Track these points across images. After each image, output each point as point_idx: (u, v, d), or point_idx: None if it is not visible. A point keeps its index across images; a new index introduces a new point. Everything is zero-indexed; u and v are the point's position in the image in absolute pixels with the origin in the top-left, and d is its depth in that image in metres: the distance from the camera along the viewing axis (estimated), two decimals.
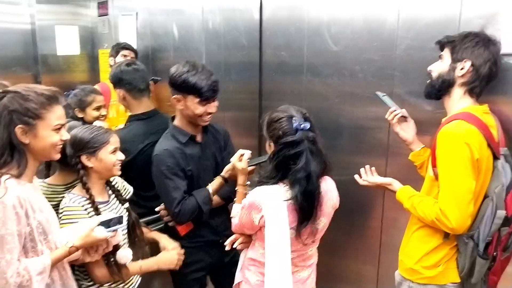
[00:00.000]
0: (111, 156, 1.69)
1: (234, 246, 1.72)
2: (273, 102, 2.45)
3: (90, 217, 1.63)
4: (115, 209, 1.77)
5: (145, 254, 1.85)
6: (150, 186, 2.19)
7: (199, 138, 1.99)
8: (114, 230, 1.54)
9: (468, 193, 1.47)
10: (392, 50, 1.97)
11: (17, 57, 3.50)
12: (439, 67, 1.63)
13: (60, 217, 1.61)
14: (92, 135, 1.66)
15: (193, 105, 1.83)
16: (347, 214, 2.25)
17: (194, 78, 1.79)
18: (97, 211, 1.66)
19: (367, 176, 1.84)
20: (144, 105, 2.31)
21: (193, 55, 2.93)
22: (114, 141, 1.72)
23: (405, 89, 1.97)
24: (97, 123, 2.45)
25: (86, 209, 1.64)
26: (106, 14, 3.62)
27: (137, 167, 2.16)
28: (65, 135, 1.48)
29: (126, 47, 3.12)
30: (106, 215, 1.60)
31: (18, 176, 1.37)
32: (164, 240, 1.95)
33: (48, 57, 3.59)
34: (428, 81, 1.68)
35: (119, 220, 1.56)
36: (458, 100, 1.61)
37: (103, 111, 2.64)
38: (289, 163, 1.49)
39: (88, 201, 1.66)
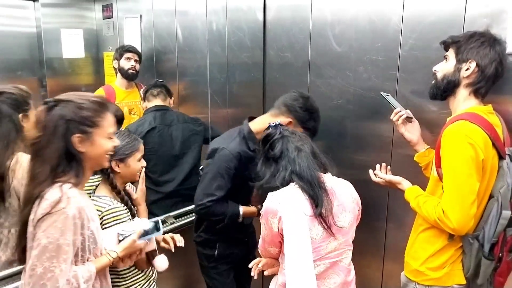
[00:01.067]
0: (138, 163, 1.77)
1: (259, 267, 1.68)
2: None
3: (129, 216, 1.69)
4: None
5: (154, 254, 1.83)
6: (163, 170, 2.58)
7: None
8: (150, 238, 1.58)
9: (470, 194, 1.46)
10: (396, 50, 1.96)
11: (23, 61, 3.54)
12: (444, 67, 1.61)
13: (106, 220, 1.62)
14: (124, 142, 1.71)
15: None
16: None
17: (317, 123, 1.98)
18: (131, 211, 1.72)
19: (380, 173, 1.85)
20: (155, 103, 2.73)
21: (197, 56, 2.94)
22: (142, 148, 1.80)
23: (409, 90, 1.96)
24: None
25: (124, 207, 1.70)
26: (111, 17, 3.64)
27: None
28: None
29: (130, 49, 3.13)
30: (144, 224, 1.60)
31: (77, 185, 1.36)
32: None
33: (53, 60, 3.62)
34: (433, 82, 1.66)
35: (156, 227, 1.59)
36: (463, 101, 1.59)
37: None
38: (273, 155, 1.58)
39: (121, 200, 1.71)
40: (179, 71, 3.11)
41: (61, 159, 1.34)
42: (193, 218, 2.30)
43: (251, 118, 2.04)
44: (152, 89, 2.76)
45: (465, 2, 1.75)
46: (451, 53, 1.60)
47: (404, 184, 1.73)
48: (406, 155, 1.97)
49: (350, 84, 2.14)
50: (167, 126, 2.64)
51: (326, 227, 1.46)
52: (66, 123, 1.33)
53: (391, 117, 1.84)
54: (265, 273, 1.66)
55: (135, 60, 3.11)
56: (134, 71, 3.12)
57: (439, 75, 1.62)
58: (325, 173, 1.59)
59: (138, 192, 1.84)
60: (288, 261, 1.44)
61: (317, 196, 1.46)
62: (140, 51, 3.21)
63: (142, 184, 1.84)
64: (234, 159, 1.89)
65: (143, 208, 1.83)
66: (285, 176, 1.52)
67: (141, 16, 3.34)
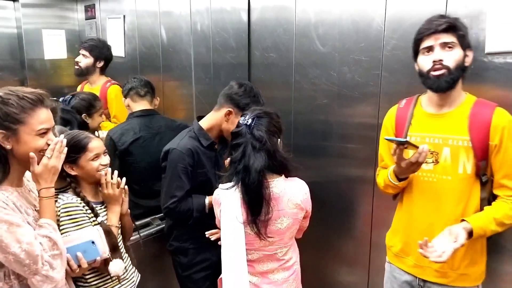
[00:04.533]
0: (92, 163, 1.67)
1: (212, 239, 1.85)
2: None
3: (88, 214, 1.63)
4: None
5: (131, 259, 1.84)
6: (146, 183, 2.38)
7: (216, 146, 2.05)
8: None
9: None
10: (379, 50, 1.99)
11: (4, 62, 3.47)
12: (455, 56, 1.51)
13: (59, 215, 1.58)
14: (70, 144, 1.61)
15: None
16: (337, 215, 2.27)
17: (257, 105, 1.91)
18: (93, 211, 1.66)
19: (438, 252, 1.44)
20: (142, 106, 2.52)
21: (182, 57, 2.92)
22: (94, 147, 1.69)
23: (392, 89, 1.98)
24: (100, 132, 2.48)
25: (83, 206, 1.64)
26: (93, 18, 3.60)
27: (131, 158, 2.35)
28: (52, 138, 1.43)
29: (81, 45, 3.08)
30: (83, 234, 1.56)
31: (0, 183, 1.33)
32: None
33: (35, 62, 3.55)
34: (442, 72, 1.51)
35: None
36: (460, 90, 1.58)
37: (103, 117, 2.65)
38: (231, 154, 1.60)
39: (82, 200, 1.65)
40: (163, 72, 3.09)
41: None
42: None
43: (199, 118, 2.07)
44: (138, 88, 2.50)
45: (446, 3, 1.78)
46: (452, 39, 1.51)
47: (464, 232, 1.45)
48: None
49: (335, 84, 2.16)
50: (153, 135, 2.45)
51: (257, 233, 1.56)
52: None
53: (415, 160, 1.48)
54: (219, 242, 1.75)
55: (83, 55, 3.04)
56: (77, 67, 3.06)
57: (453, 64, 1.50)
58: (282, 175, 1.63)
59: (102, 196, 1.75)
60: (223, 253, 1.59)
61: (253, 206, 1.54)
62: (94, 44, 3.07)
63: (105, 189, 1.70)
64: (186, 156, 1.91)
65: (112, 210, 1.73)
66: (234, 181, 1.58)
67: (124, 16, 3.31)
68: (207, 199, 1.98)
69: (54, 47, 3.63)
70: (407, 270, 1.71)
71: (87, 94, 2.53)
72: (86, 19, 3.68)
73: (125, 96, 2.56)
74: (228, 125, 1.96)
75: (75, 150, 1.64)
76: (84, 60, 3.04)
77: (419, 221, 1.65)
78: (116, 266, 1.63)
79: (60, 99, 2.42)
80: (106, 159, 1.73)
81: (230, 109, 1.95)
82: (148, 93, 2.54)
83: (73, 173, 1.65)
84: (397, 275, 1.75)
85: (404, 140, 1.48)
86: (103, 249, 1.56)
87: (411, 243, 1.67)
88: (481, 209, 1.55)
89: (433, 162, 1.59)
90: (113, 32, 3.39)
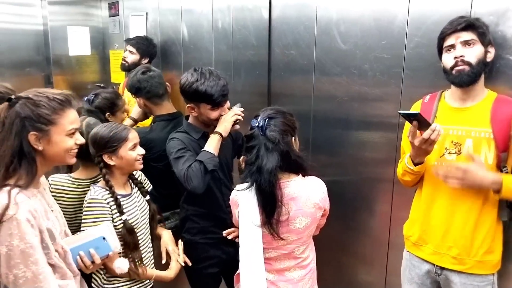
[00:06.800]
0: (131, 153, 1.75)
1: (229, 238, 1.87)
2: (282, 101, 2.46)
3: (111, 211, 1.70)
4: (137, 201, 1.84)
5: (155, 247, 1.91)
6: (167, 179, 2.27)
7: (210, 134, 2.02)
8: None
9: None
10: (402, 48, 1.96)
11: (30, 58, 3.57)
12: (476, 52, 1.58)
13: (84, 209, 1.66)
14: (110, 134, 1.71)
15: (207, 111, 1.93)
16: (355, 213, 2.26)
17: (204, 87, 1.86)
18: (119, 208, 1.71)
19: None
20: (166, 108, 2.42)
21: (203, 54, 2.95)
22: (133, 137, 1.77)
23: (414, 87, 1.96)
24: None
25: (108, 203, 1.70)
26: (117, 15, 3.67)
27: (159, 164, 2.27)
28: (80, 139, 1.47)
29: (128, 42, 3.13)
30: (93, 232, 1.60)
31: (27, 185, 1.34)
32: (165, 237, 1.97)
33: (60, 58, 3.65)
34: (462, 67, 1.58)
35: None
36: (483, 85, 1.64)
37: (125, 114, 2.64)
38: (247, 156, 1.62)
39: (111, 196, 1.72)
40: (184, 69, 3.12)
41: (13, 158, 1.32)
42: None
43: (187, 117, 2.07)
44: (155, 90, 2.35)
45: (471, 0, 1.75)
46: (473, 37, 1.58)
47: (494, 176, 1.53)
48: None
49: (355, 81, 2.15)
50: None
51: (272, 234, 1.56)
52: (21, 121, 1.32)
53: (428, 137, 1.53)
54: (236, 240, 1.80)
55: (129, 51, 3.10)
56: (123, 62, 3.12)
57: (474, 60, 1.57)
58: (299, 174, 1.62)
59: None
60: (242, 253, 1.60)
61: (267, 206, 1.54)
62: (141, 41, 3.12)
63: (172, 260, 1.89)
64: (180, 142, 1.91)
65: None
66: (249, 183, 1.59)
67: (147, 14, 3.36)
68: (209, 148, 1.89)
69: (78, 43, 3.72)
70: (425, 258, 1.75)
71: (109, 93, 2.52)
72: (109, 16, 3.75)
73: (139, 95, 2.40)
74: (202, 117, 1.96)
75: (116, 140, 1.71)
76: (131, 56, 3.09)
77: (440, 210, 1.70)
78: (121, 263, 1.68)
79: (84, 99, 2.44)
80: (142, 150, 1.81)
81: (188, 105, 1.94)
82: (166, 90, 2.45)
83: (111, 162, 1.72)
84: (416, 263, 1.79)
85: (417, 112, 1.52)
86: (115, 245, 1.59)
87: (430, 231, 1.73)
88: (500, 201, 1.61)
89: (456, 153, 1.65)
90: (135, 29, 3.44)
